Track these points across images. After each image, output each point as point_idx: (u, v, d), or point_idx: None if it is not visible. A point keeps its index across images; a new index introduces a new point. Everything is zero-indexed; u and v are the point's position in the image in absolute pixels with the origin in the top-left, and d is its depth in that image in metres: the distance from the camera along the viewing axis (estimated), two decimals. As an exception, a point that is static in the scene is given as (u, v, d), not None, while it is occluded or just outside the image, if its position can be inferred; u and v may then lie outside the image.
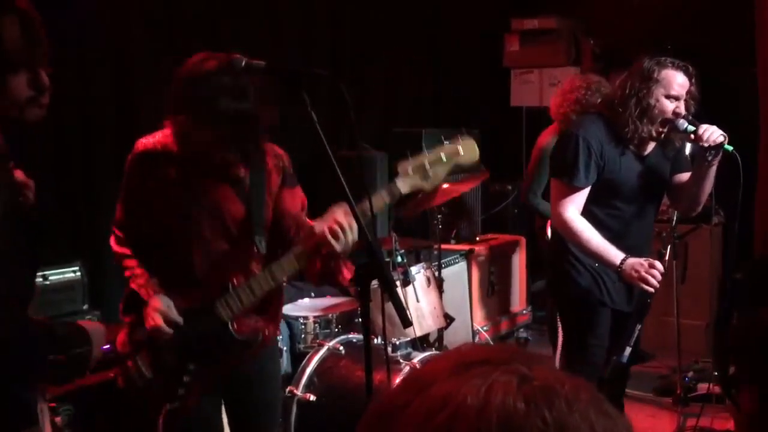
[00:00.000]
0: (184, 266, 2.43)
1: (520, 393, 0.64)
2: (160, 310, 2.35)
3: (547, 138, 4.43)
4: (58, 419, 2.82)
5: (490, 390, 0.64)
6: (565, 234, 3.06)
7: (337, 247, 2.22)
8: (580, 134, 3.02)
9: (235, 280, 2.38)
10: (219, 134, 2.28)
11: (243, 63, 2.13)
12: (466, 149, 2.27)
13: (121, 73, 4.28)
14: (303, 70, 2.16)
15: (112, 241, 2.53)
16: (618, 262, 2.95)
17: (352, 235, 2.20)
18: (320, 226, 2.24)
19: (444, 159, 2.25)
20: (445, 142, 2.28)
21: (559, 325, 3.70)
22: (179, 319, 2.37)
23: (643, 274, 2.90)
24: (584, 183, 3.01)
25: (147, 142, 2.43)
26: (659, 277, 2.92)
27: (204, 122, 2.25)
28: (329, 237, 2.22)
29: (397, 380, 3.25)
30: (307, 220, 2.48)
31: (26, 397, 1.86)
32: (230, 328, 2.37)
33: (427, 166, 2.22)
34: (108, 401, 2.75)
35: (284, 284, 2.57)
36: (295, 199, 2.55)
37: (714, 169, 3.00)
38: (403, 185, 2.24)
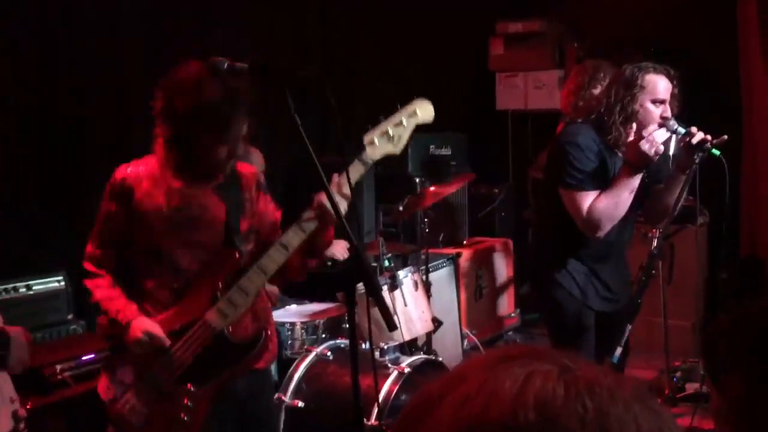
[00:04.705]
0: (167, 284, 2.38)
1: (561, 380, 0.61)
2: (148, 328, 2.31)
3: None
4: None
5: (528, 377, 0.62)
6: (607, 221, 2.97)
7: (340, 202, 2.20)
8: (579, 142, 3.00)
9: (221, 285, 2.34)
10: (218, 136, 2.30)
11: (225, 65, 2.12)
12: (422, 109, 2.38)
13: (112, 84, 4.24)
14: (288, 73, 2.13)
15: (87, 282, 2.48)
16: (626, 165, 2.92)
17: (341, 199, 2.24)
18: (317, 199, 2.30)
19: (404, 121, 2.36)
20: (399, 107, 2.40)
21: None
22: (166, 340, 2.32)
23: (650, 141, 2.84)
24: (593, 187, 2.98)
25: (128, 169, 2.41)
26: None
27: (207, 129, 2.27)
28: (332, 193, 2.17)
29: (387, 383, 3.24)
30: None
31: None
32: (227, 335, 2.33)
33: (391, 132, 2.33)
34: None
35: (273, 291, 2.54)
36: (268, 205, 2.56)
37: (689, 176, 3.00)
38: (373, 153, 2.32)
